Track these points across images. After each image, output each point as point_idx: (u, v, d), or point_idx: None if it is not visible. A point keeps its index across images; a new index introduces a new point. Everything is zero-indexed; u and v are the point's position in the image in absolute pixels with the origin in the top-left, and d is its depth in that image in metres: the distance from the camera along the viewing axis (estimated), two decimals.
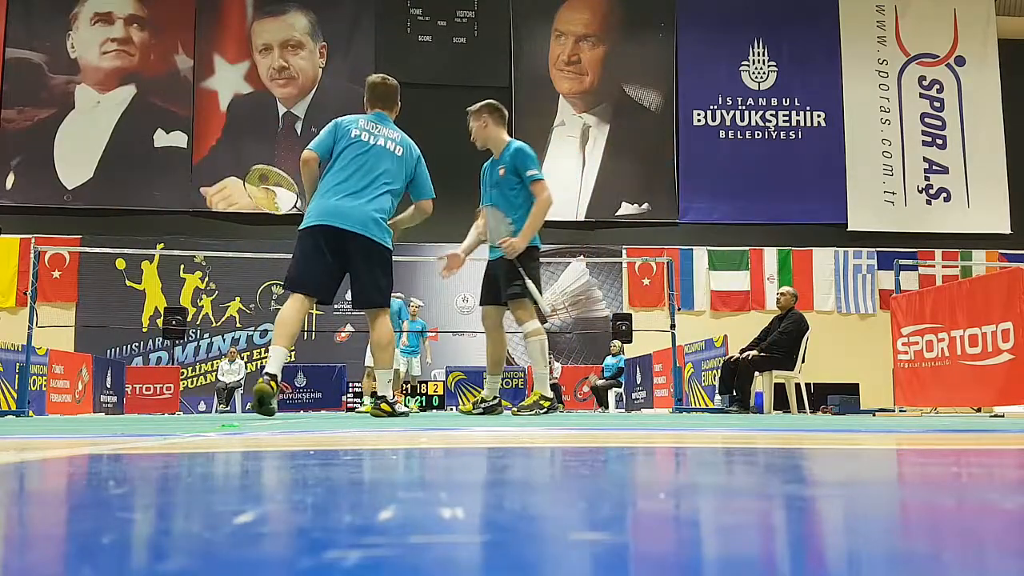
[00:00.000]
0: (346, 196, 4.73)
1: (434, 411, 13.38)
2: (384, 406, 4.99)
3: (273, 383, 4.48)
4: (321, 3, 17.06)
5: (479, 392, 6.16)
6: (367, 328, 5.10)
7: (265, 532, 0.67)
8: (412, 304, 12.39)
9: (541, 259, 5.91)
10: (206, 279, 16.27)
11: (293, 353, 15.91)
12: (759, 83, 17.72)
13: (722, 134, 17.53)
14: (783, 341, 8.38)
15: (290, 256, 4.89)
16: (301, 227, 4.83)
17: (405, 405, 11.88)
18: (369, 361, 10.39)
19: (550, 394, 5.67)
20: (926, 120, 17.85)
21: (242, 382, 14.70)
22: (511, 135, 5.97)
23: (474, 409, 5.76)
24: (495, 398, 5.77)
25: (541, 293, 5.67)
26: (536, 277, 5.64)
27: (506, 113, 5.76)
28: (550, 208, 5.50)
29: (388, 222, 4.94)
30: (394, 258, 4.99)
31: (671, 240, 16.91)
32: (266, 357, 5.17)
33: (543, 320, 5.74)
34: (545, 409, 5.56)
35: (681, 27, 17.64)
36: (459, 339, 16.00)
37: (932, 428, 3.52)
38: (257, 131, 16.65)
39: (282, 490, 1.02)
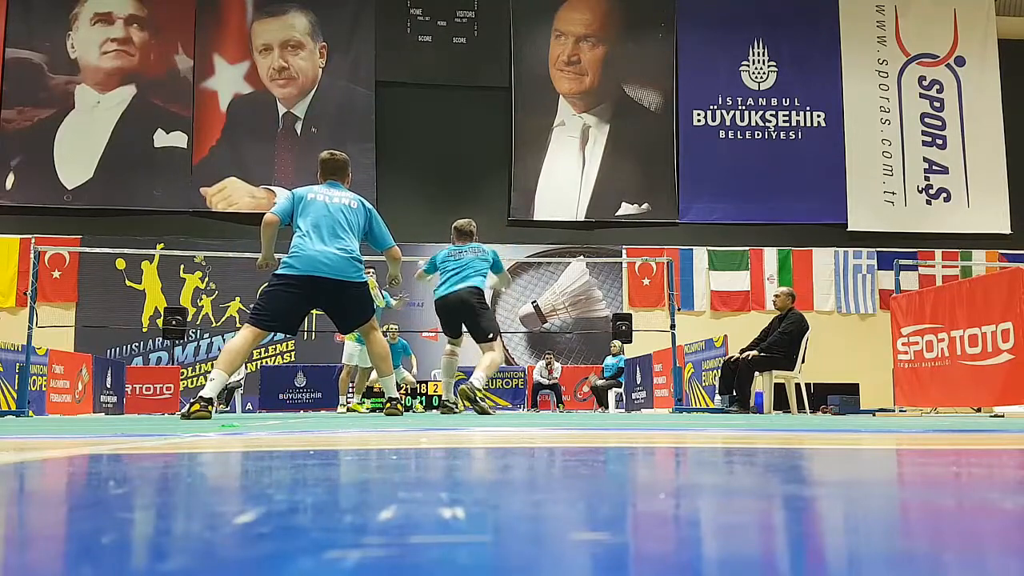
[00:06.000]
0: (321, 248, 5.36)
1: (434, 411, 13.37)
2: (399, 406, 5.98)
3: (210, 407, 4.88)
4: (321, 3, 17.05)
5: (476, 392, 6.55)
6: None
7: (265, 532, 0.67)
8: (391, 330, 12.54)
9: (539, 260, 6.93)
10: (206, 279, 16.26)
11: (293, 353, 15.96)
12: (759, 83, 17.71)
13: (722, 134, 17.53)
14: (783, 341, 8.37)
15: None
16: (282, 272, 5.36)
17: (406, 406, 11.84)
18: (350, 359, 10.85)
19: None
20: (926, 120, 17.84)
21: (242, 382, 14.69)
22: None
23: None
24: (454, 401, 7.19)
25: (444, 331, 7.34)
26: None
27: (458, 230, 7.42)
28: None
29: (389, 283, 6.17)
30: None
31: (671, 240, 16.91)
32: (267, 357, 5.50)
33: (544, 320, 7.00)
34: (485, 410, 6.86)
35: (681, 27, 17.63)
36: None
37: (932, 428, 3.52)
38: (257, 131, 16.64)
39: (282, 490, 1.02)
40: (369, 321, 5.69)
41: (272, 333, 5.64)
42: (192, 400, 4.99)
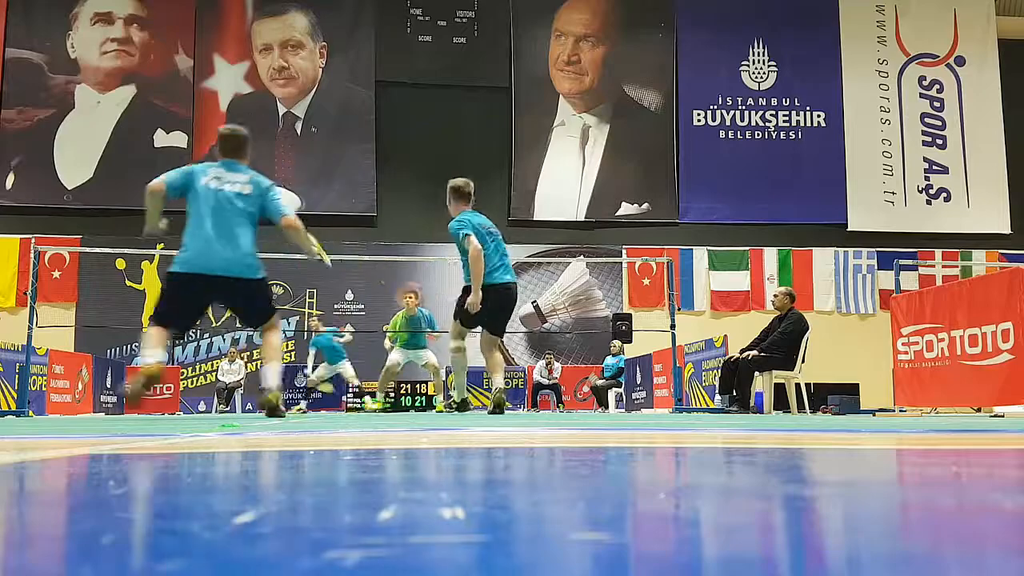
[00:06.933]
0: (214, 244, 5.16)
1: (434, 411, 13.36)
2: (275, 396, 5.32)
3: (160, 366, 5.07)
4: (321, 3, 17.06)
5: (478, 391, 6.50)
6: (368, 329, 5.52)
7: (265, 532, 0.67)
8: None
9: (539, 260, 6.53)
10: None
11: (293, 353, 15.94)
12: (759, 83, 17.71)
13: (722, 134, 17.53)
14: (783, 341, 8.36)
15: (290, 257, 5.25)
16: (173, 270, 5.23)
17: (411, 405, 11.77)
18: (395, 365, 10.17)
19: (459, 400, 6.73)
20: (926, 120, 17.84)
21: (242, 382, 14.69)
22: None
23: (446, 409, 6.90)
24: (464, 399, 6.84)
25: (469, 323, 6.46)
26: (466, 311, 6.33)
27: (464, 191, 6.62)
28: (480, 256, 6.15)
29: (318, 251, 5.78)
30: (396, 258, 5.38)
31: (671, 240, 16.91)
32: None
33: (544, 320, 6.69)
34: (453, 409, 6.73)
35: (681, 27, 17.64)
36: None
37: (932, 428, 3.52)
38: (257, 131, 16.46)
39: (282, 490, 1.02)
40: (270, 320, 5.46)
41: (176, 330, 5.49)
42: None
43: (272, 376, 5.31)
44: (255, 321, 5.56)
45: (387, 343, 11.02)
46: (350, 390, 13.76)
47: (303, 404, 12.31)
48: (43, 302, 14.38)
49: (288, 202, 5.75)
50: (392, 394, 12.36)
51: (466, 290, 6.26)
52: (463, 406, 6.77)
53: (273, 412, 5.18)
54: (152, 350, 5.12)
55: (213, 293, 5.25)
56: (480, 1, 17.32)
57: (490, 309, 6.23)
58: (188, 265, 5.14)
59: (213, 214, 5.19)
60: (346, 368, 12.60)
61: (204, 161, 5.75)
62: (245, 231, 5.25)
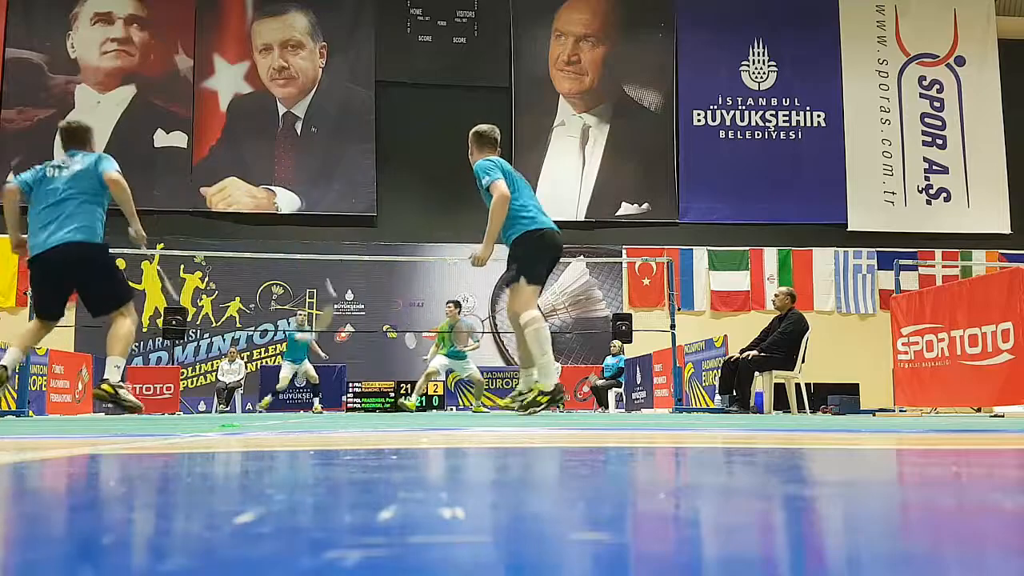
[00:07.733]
0: (52, 226, 5.39)
1: (435, 411, 13.37)
2: (108, 388, 5.34)
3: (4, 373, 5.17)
4: (321, 3, 17.06)
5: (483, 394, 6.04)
6: (368, 328, 5.39)
7: (265, 532, 0.67)
8: (300, 315, 12.81)
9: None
10: (206, 279, 16.26)
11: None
12: (759, 83, 17.71)
13: (722, 134, 17.52)
14: (783, 341, 8.37)
15: (290, 257, 5.28)
16: (28, 260, 5.50)
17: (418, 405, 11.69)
18: (435, 369, 10.59)
19: (551, 387, 5.14)
20: (926, 120, 17.84)
21: (242, 382, 14.69)
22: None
23: (512, 403, 5.32)
24: (529, 390, 5.25)
25: (536, 278, 5.27)
26: (529, 262, 5.24)
27: (489, 136, 5.73)
28: (505, 204, 5.17)
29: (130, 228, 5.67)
30: (396, 258, 5.22)
31: (671, 240, 16.90)
32: (266, 357, 5.44)
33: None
34: (542, 405, 5.13)
35: (681, 27, 17.64)
36: None
37: (932, 428, 3.52)
38: (257, 131, 16.64)
39: (282, 490, 1.02)
40: (124, 305, 5.50)
41: (55, 320, 5.59)
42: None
43: (110, 369, 5.32)
44: (102, 306, 5.50)
45: (433, 349, 11.23)
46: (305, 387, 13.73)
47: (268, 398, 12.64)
48: None
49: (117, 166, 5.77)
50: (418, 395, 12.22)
51: (518, 241, 5.26)
52: (556, 394, 5.17)
53: (116, 403, 5.20)
54: (13, 351, 5.29)
55: (64, 271, 5.38)
56: (480, 1, 17.32)
57: (550, 258, 5.31)
58: (34, 248, 5.43)
59: (47, 202, 5.45)
60: (307, 367, 12.90)
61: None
62: (82, 212, 5.43)
